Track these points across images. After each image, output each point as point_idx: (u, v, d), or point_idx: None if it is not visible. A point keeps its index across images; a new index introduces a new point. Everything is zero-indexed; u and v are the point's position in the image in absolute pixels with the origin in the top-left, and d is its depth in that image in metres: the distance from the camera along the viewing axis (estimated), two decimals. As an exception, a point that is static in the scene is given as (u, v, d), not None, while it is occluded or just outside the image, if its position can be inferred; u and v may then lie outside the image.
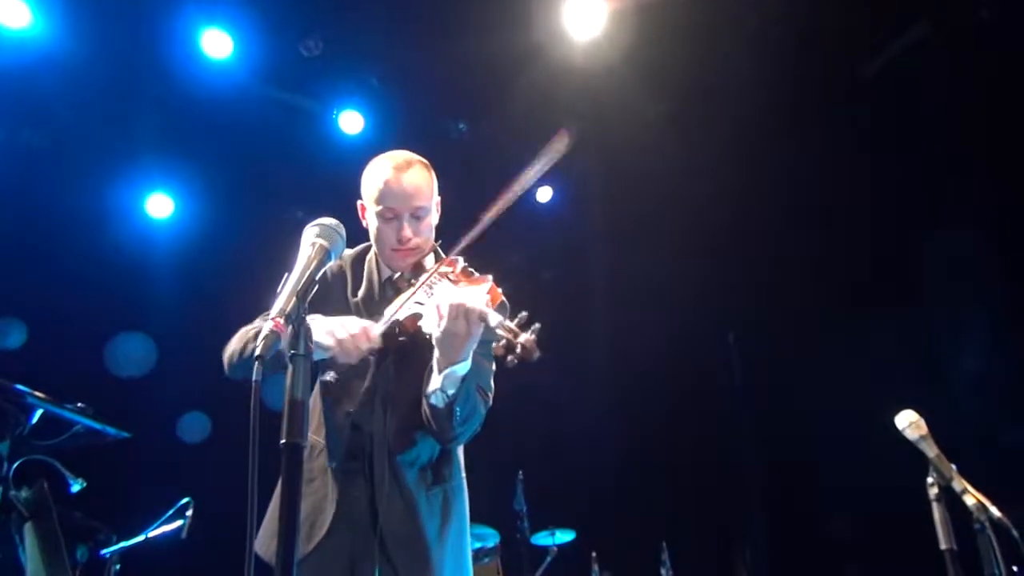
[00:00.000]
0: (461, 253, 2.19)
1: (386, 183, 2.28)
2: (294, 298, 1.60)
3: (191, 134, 6.16)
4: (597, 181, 7.13)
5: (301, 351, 1.58)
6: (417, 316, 2.08)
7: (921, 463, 2.68)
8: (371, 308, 2.32)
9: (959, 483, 2.56)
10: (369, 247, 2.48)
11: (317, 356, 2.01)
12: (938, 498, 2.55)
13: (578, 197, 7.34)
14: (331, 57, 5.91)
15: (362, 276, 2.45)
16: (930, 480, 2.59)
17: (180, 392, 6.49)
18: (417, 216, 2.29)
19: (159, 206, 6.51)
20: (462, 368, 2.01)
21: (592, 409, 7.67)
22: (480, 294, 1.91)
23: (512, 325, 1.79)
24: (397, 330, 2.16)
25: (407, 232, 2.27)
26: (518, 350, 1.76)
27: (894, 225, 6.40)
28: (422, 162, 2.37)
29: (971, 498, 2.54)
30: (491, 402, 2.24)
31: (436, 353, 2.01)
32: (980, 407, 5.60)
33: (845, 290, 6.63)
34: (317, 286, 1.66)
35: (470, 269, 2.14)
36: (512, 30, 5.73)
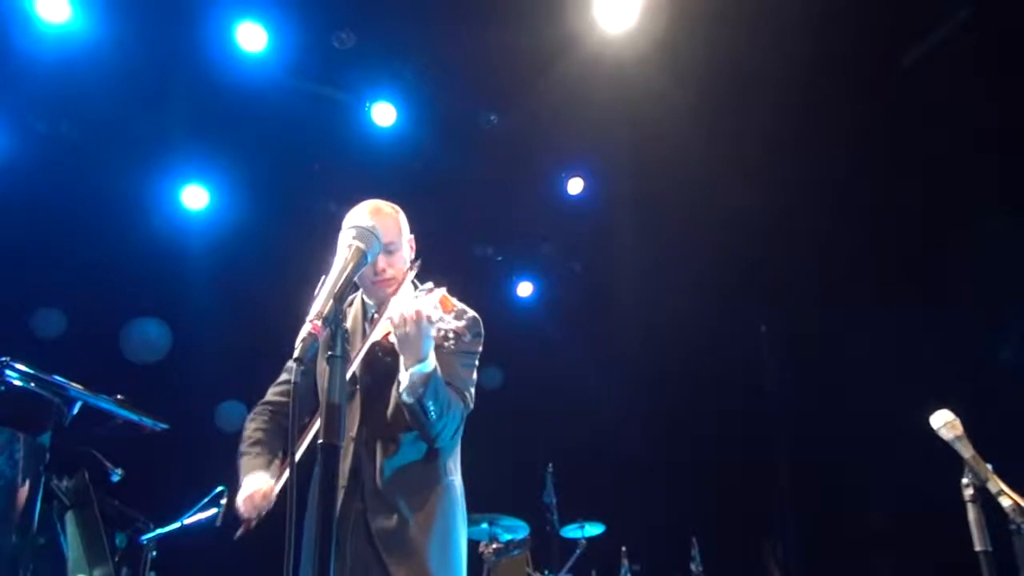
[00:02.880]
0: None
1: None
2: (331, 300, 1.63)
3: (226, 126, 6.23)
4: (628, 173, 7.09)
5: (338, 353, 1.60)
6: (388, 333, 2.33)
7: (955, 461, 2.66)
8: (355, 341, 2.58)
9: (995, 484, 2.53)
10: (353, 299, 2.77)
11: None
12: (973, 499, 2.53)
13: (609, 189, 7.30)
14: (364, 49, 5.93)
15: (348, 318, 2.72)
16: (965, 481, 2.56)
17: (216, 382, 6.60)
18: (389, 251, 2.55)
19: (194, 197, 6.60)
20: (425, 366, 2.23)
21: (622, 402, 7.66)
22: (431, 301, 2.15)
23: (452, 320, 2.08)
24: (379, 351, 2.44)
25: (382, 264, 2.53)
26: (451, 335, 2.06)
27: (930, 218, 6.30)
28: (392, 207, 2.69)
29: (1007, 499, 2.51)
30: (471, 405, 2.50)
31: (401, 357, 2.25)
32: (1017, 405, 5.51)
33: (880, 284, 6.55)
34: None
35: (438, 289, 2.31)
36: (544, 21, 5.71)
